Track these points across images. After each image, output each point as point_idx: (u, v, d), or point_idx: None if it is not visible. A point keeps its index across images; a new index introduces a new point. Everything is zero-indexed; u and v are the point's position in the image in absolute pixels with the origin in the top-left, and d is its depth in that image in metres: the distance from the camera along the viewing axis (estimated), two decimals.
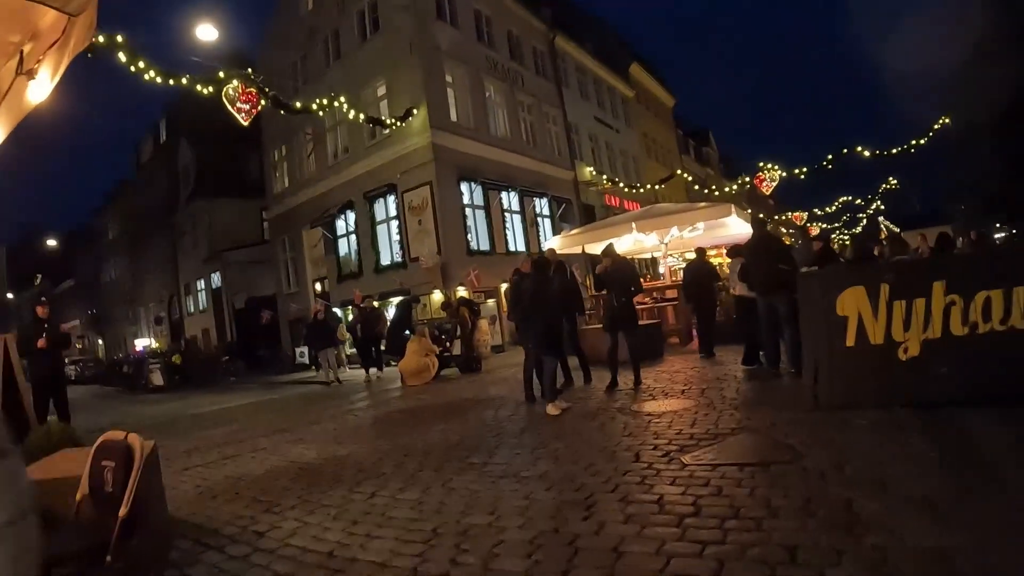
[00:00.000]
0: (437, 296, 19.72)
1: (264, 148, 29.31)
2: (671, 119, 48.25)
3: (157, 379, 23.91)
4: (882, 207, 45.83)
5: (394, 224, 21.84)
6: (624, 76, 38.03)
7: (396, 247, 21.74)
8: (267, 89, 14.95)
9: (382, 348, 16.71)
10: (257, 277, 30.75)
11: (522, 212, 24.09)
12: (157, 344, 38.28)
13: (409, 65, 20.73)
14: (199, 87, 13.82)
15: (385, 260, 22.28)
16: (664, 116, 46.36)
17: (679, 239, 16.99)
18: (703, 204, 15.67)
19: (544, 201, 25.69)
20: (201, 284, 36.11)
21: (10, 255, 76.14)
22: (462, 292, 19.65)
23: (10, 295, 71.25)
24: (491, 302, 21.12)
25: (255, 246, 31.93)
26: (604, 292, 9.79)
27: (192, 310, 37.49)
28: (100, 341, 54.07)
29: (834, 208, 45.14)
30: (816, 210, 39.98)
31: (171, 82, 13.34)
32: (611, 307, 9.44)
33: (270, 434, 9.20)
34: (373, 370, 16.29)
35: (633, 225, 14.56)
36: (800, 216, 38.14)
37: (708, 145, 59.27)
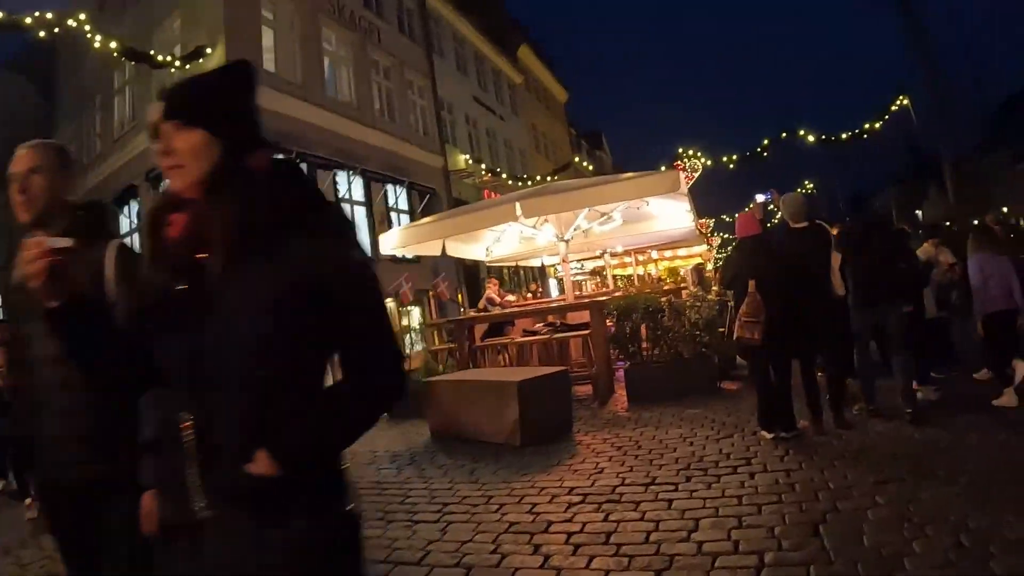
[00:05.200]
0: None
1: (55, 127, 21.87)
2: (563, 114, 43.18)
3: None
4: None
5: None
6: (512, 59, 32.64)
7: None
8: None
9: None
10: None
11: (368, 202, 17.78)
12: None
13: None
14: None
15: None
16: (556, 110, 41.23)
17: (583, 237, 11.38)
18: (629, 174, 9.96)
19: (401, 190, 19.43)
20: None
21: None
22: None
23: None
24: None
25: None
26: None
27: None
28: None
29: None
30: (725, 217, 35.24)
31: None
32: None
33: None
34: None
35: (517, 207, 8.68)
36: (706, 223, 33.20)
37: (601, 149, 54.64)
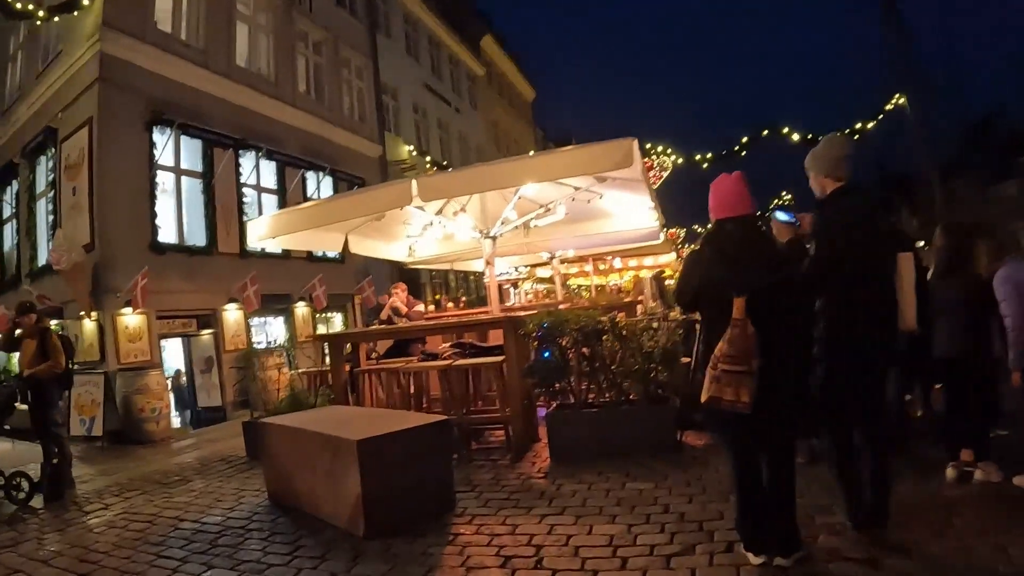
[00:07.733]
0: (89, 325, 10.83)
1: None
2: (529, 113, 40.97)
3: None
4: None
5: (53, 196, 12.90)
6: (474, 49, 30.27)
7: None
8: None
9: None
10: None
11: (281, 190, 15.13)
12: None
13: None
14: None
15: (43, 257, 13.19)
16: (521, 108, 38.96)
17: (522, 236, 9.07)
18: (569, 147, 7.52)
19: (324, 178, 16.72)
20: None
21: None
22: (129, 315, 10.93)
23: None
24: (206, 335, 12.35)
25: None
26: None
27: None
28: None
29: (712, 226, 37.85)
30: (697, 227, 32.81)
31: None
32: None
33: None
34: None
35: (413, 186, 6.26)
36: (676, 233, 30.97)
37: None
